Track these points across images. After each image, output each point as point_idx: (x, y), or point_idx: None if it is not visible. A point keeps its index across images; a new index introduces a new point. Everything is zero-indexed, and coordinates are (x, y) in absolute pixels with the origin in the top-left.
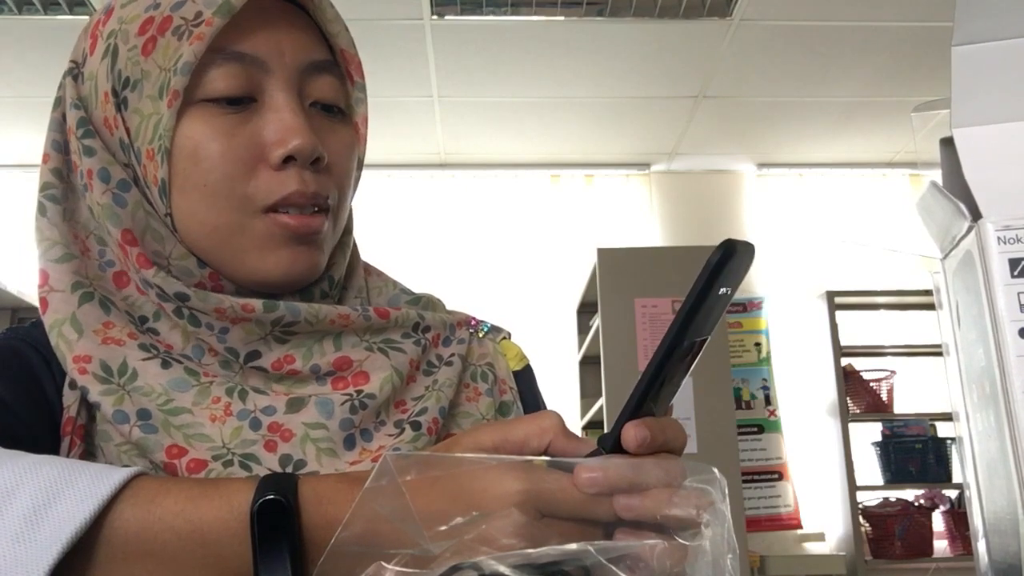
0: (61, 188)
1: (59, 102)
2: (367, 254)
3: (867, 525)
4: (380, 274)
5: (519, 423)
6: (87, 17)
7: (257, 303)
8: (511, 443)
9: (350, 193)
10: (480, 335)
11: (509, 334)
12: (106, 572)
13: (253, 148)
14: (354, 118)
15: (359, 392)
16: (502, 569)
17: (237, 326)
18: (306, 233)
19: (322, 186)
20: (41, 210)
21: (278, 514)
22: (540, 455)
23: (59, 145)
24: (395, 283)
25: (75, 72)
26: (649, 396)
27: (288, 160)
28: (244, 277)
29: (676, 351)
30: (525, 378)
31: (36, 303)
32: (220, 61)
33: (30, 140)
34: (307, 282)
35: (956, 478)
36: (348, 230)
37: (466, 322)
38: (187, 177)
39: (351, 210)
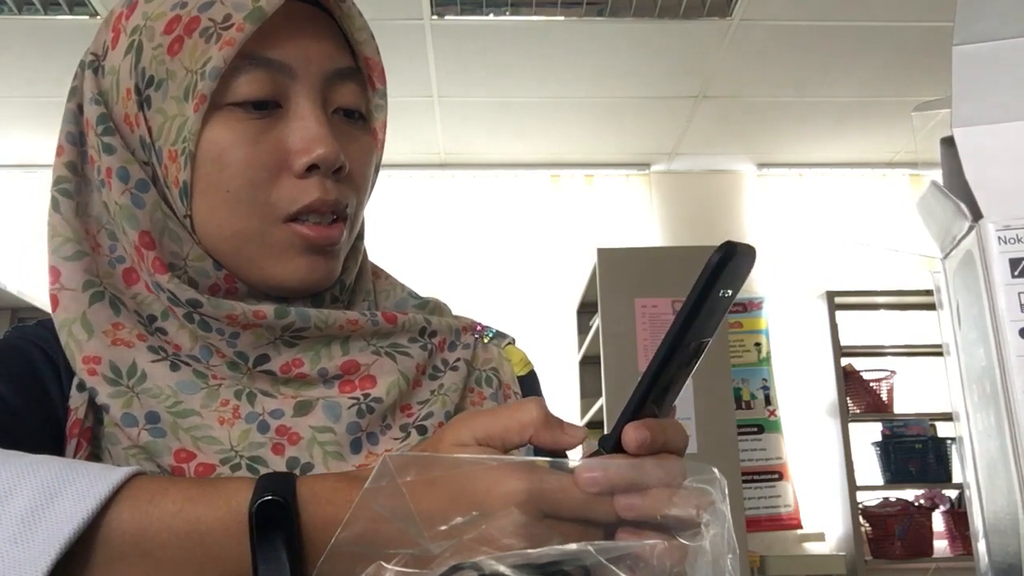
0: (75, 182)
1: (75, 92)
2: (370, 253)
3: (867, 525)
4: (388, 277)
5: (499, 415)
6: (87, 17)
7: (269, 309)
8: (494, 438)
9: (366, 200)
10: (485, 340)
11: (513, 340)
12: (104, 573)
13: (277, 155)
14: (373, 124)
15: (366, 396)
16: (502, 569)
17: (247, 331)
18: (324, 244)
19: (342, 194)
20: (55, 205)
21: (277, 514)
22: (523, 447)
23: (73, 137)
24: (402, 286)
25: (95, 65)
26: (650, 397)
27: (311, 168)
28: (260, 282)
29: (676, 353)
30: (529, 383)
31: (37, 303)
32: (247, 66)
33: (30, 140)
34: (321, 289)
35: (956, 478)
36: (360, 235)
37: (471, 327)
38: (210, 182)
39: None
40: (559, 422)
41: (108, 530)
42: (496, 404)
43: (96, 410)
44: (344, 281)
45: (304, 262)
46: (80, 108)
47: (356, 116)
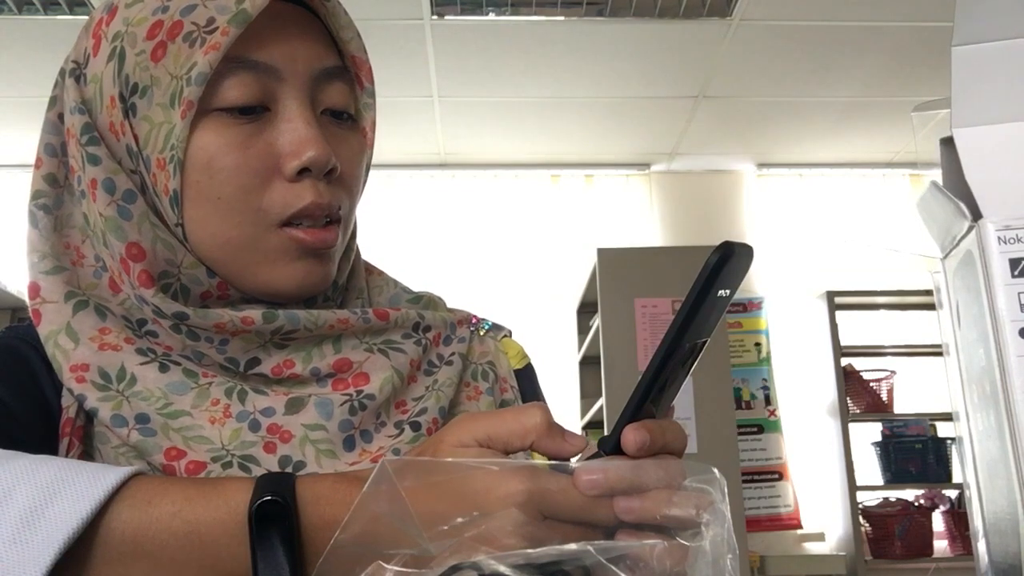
0: (53, 196)
1: (55, 102)
2: (367, 254)
3: (867, 525)
4: (381, 273)
5: (503, 419)
6: (87, 17)
7: (256, 315)
8: (495, 441)
9: (358, 200)
10: (481, 333)
11: (510, 332)
12: (103, 573)
13: (267, 159)
14: (362, 123)
15: (359, 393)
16: (502, 569)
17: (236, 337)
18: (320, 247)
19: (335, 197)
20: (32, 221)
21: (276, 515)
22: (524, 452)
23: (53, 149)
24: (395, 282)
25: (77, 73)
26: (649, 398)
27: (303, 171)
28: (255, 288)
29: (675, 353)
30: (526, 376)
31: None
32: (234, 70)
33: (30, 140)
34: (318, 293)
35: (956, 478)
36: (352, 235)
37: (467, 320)
38: (200, 189)
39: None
40: (561, 430)
41: (107, 530)
42: (492, 398)
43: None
44: (336, 281)
45: (300, 267)
46: (61, 118)
47: (345, 117)
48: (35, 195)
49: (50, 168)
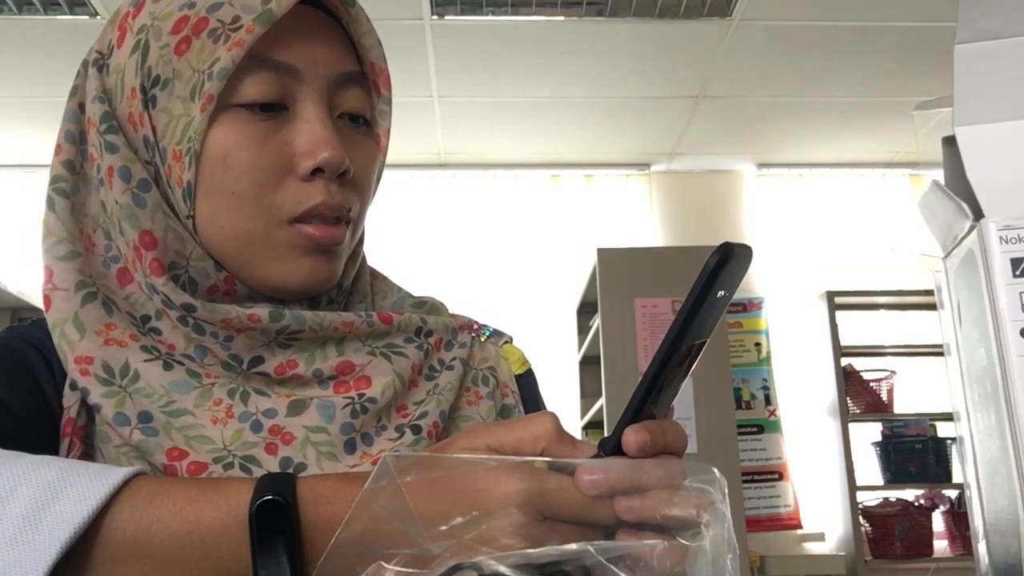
0: (71, 181)
1: (76, 91)
2: (369, 254)
3: (867, 525)
4: (385, 279)
5: (512, 427)
6: (87, 17)
7: (263, 313)
8: (505, 448)
9: (368, 205)
10: (482, 339)
11: (511, 338)
12: (104, 573)
13: (282, 157)
14: (377, 130)
15: (361, 396)
16: (502, 569)
17: (242, 334)
18: (329, 244)
19: (346, 198)
20: (49, 204)
21: (277, 514)
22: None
23: (73, 136)
24: (399, 288)
25: (100, 63)
26: (649, 399)
27: (316, 172)
28: (262, 283)
29: (675, 354)
30: (527, 382)
31: (37, 303)
32: (255, 68)
33: (30, 140)
34: (323, 291)
35: (956, 478)
36: (360, 239)
37: (468, 326)
38: (214, 182)
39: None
40: (571, 438)
41: (108, 530)
42: (493, 403)
43: (89, 408)
44: (341, 284)
45: (308, 263)
46: (81, 107)
47: (361, 121)
48: (53, 180)
49: (68, 155)
